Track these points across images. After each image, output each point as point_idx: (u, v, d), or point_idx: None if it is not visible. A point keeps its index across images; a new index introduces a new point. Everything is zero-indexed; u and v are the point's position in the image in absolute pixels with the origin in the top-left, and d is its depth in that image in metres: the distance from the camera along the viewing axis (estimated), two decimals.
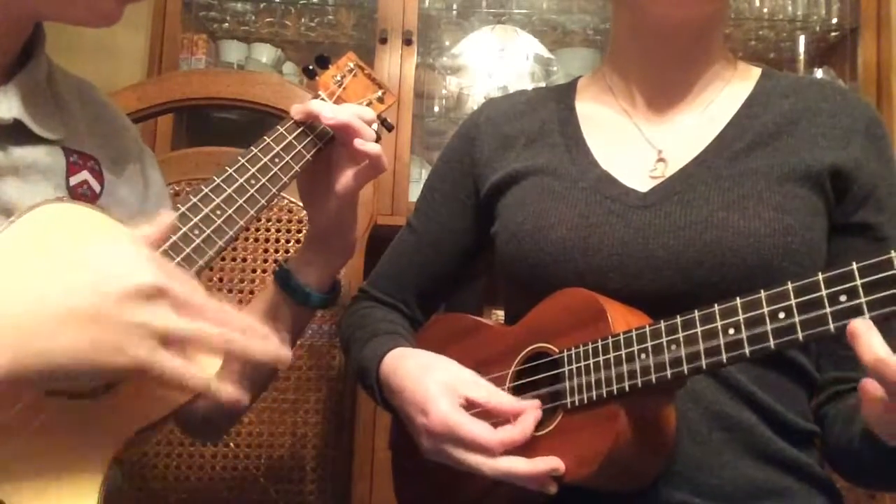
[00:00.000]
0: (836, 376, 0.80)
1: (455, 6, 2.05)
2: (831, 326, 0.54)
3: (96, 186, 0.80)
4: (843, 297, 0.54)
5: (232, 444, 1.12)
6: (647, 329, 0.65)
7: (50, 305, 0.57)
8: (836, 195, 0.79)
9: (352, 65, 0.94)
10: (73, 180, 0.77)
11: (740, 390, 0.75)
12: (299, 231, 1.17)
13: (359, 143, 0.83)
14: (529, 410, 0.71)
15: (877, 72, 1.84)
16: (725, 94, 0.86)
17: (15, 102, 0.73)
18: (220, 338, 0.62)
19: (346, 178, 0.85)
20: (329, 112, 0.83)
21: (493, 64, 1.98)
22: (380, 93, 0.96)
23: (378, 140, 0.88)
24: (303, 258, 0.91)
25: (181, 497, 1.11)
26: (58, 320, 0.57)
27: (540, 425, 0.72)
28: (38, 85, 0.77)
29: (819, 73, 1.97)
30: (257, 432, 1.13)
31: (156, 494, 1.11)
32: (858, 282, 0.53)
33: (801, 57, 2.02)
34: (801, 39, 2.02)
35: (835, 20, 1.95)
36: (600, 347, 0.68)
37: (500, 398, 0.73)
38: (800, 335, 0.55)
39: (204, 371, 0.63)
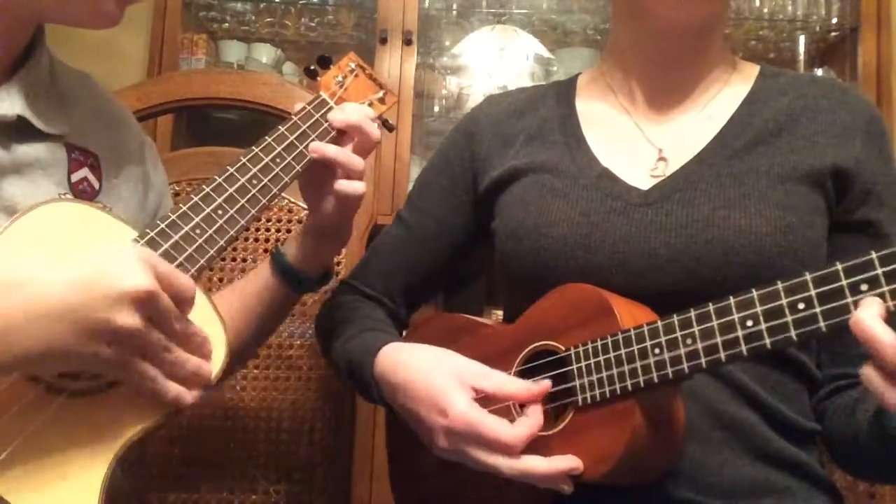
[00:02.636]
0: (836, 373, 0.80)
1: (455, 6, 2.05)
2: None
3: (95, 183, 0.80)
4: (864, 287, 0.53)
5: (232, 445, 1.12)
6: (660, 324, 0.65)
7: (42, 304, 0.59)
8: (836, 194, 0.79)
9: (353, 65, 0.94)
10: (75, 177, 0.78)
11: (741, 389, 0.75)
12: None
13: (340, 185, 0.84)
14: (534, 405, 0.71)
15: (877, 72, 1.84)
16: (725, 93, 0.86)
17: (18, 99, 0.73)
18: (188, 369, 0.66)
19: (343, 184, 0.86)
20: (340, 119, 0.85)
21: (493, 64, 1.98)
22: (381, 93, 0.96)
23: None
24: (299, 245, 0.91)
25: (181, 497, 1.11)
26: (46, 319, 0.58)
27: (550, 424, 0.71)
28: (40, 81, 0.77)
29: (819, 73, 1.96)
30: (258, 431, 1.13)
31: (155, 495, 1.11)
32: (879, 270, 0.53)
33: (801, 57, 2.02)
34: (801, 39, 2.02)
35: (835, 20, 1.95)
36: (610, 343, 0.68)
37: (511, 385, 0.72)
38: (822, 325, 0.55)
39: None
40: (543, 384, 0.71)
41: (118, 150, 0.85)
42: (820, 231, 0.78)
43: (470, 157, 0.94)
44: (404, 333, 0.98)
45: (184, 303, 0.65)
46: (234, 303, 0.90)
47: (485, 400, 0.73)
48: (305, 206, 0.93)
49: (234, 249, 1.17)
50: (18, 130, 0.74)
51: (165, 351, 0.64)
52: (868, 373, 0.55)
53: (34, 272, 0.60)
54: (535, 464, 0.68)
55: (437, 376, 0.73)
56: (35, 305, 0.58)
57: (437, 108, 2.05)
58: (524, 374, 0.77)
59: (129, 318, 0.60)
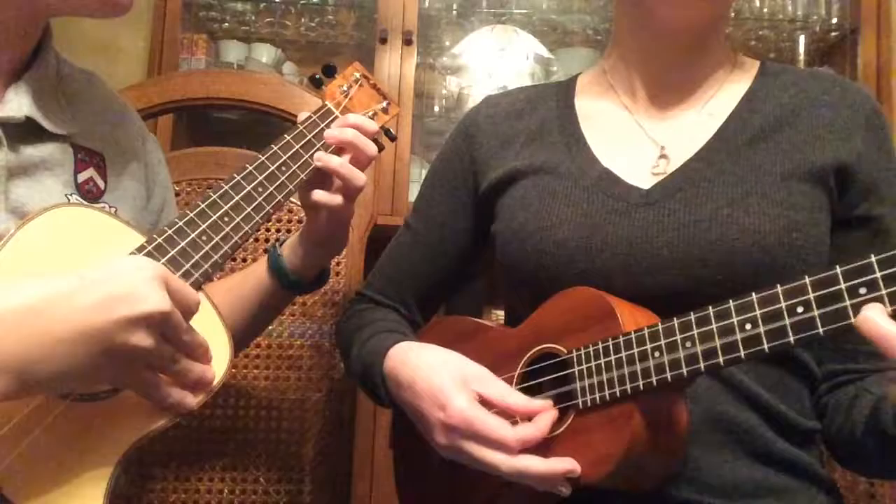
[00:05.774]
0: (836, 368, 0.80)
1: (455, 6, 2.04)
2: (853, 319, 0.53)
3: (101, 183, 0.80)
4: (862, 290, 0.53)
5: (232, 444, 1.13)
6: (660, 327, 0.64)
7: (64, 329, 0.59)
8: (839, 190, 0.79)
9: (357, 75, 0.94)
10: (81, 177, 0.78)
11: (742, 391, 0.75)
12: None
13: (316, 195, 0.86)
14: (545, 411, 0.71)
15: (877, 72, 1.84)
16: (726, 90, 0.86)
17: (26, 100, 0.74)
18: (192, 377, 0.68)
19: (334, 197, 0.87)
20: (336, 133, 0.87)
21: (493, 64, 1.98)
22: (384, 103, 0.96)
23: (381, 150, 0.90)
24: (294, 249, 0.93)
25: (181, 497, 1.11)
26: (68, 343, 0.59)
27: (552, 427, 0.71)
28: (47, 81, 0.77)
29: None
30: (257, 431, 1.13)
31: (156, 495, 1.11)
32: (878, 274, 0.53)
33: (801, 57, 2.02)
34: (801, 39, 2.02)
35: (835, 20, 1.95)
36: (611, 346, 0.68)
37: (514, 398, 0.72)
38: (820, 329, 0.55)
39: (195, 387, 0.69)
40: (547, 403, 0.71)
41: (123, 149, 0.85)
42: (823, 229, 0.77)
43: (470, 160, 0.94)
44: None
45: (190, 315, 0.67)
46: (229, 296, 0.91)
47: (486, 405, 0.73)
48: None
49: None
50: (26, 131, 0.74)
51: (173, 362, 0.65)
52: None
53: (53, 296, 0.60)
54: (533, 463, 0.68)
55: (441, 374, 0.74)
56: (57, 330, 0.59)
57: (437, 108, 2.05)
58: (528, 376, 0.77)
59: (145, 339, 0.61)
